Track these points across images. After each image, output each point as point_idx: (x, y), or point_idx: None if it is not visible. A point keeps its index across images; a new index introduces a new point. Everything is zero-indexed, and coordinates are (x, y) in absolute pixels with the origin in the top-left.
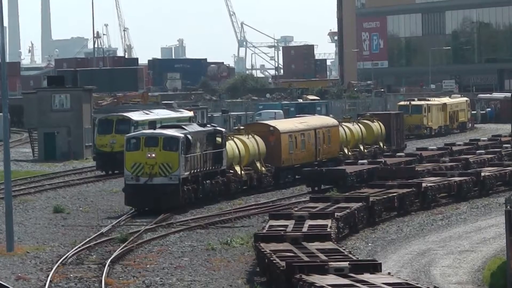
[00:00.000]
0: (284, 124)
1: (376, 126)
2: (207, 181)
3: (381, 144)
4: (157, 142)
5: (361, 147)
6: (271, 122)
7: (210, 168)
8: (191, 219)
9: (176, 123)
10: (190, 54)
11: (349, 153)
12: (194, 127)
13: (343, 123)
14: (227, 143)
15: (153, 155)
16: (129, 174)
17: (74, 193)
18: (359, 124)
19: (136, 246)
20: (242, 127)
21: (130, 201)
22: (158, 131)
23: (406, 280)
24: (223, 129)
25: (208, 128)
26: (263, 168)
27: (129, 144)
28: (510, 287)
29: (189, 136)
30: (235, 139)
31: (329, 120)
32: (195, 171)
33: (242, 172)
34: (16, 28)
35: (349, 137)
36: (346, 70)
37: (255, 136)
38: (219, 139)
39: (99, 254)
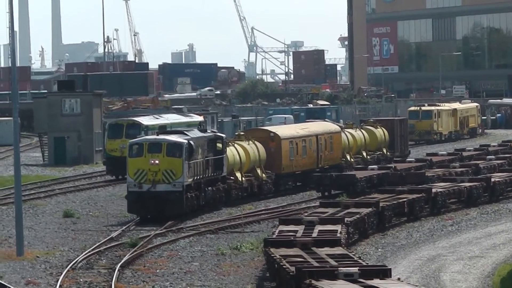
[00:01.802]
0: (285, 130)
1: (380, 132)
2: (208, 188)
3: (385, 151)
4: (160, 148)
5: (364, 154)
6: (272, 128)
7: (211, 174)
8: (201, 224)
9: (177, 129)
10: (201, 59)
11: (352, 160)
12: (196, 133)
13: (346, 129)
14: (227, 149)
15: (157, 161)
16: (131, 181)
17: (84, 197)
18: (362, 130)
19: (146, 251)
20: (242, 133)
21: (132, 208)
22: (161, 137)
23: (416, 285)
24: (223, 135)
25: (209, 133)
26: (264, 175)
27: (132, 150)
28: None
29: (192, 142)
30: (235, 145)
31: (331, 126)
32: (198, 177)
33: (243, 178)
34: (27, 33)
35: (351, 144)
36: (356, 75)
37: (256, 142)
38: (219, 145)
39: (109, 258)
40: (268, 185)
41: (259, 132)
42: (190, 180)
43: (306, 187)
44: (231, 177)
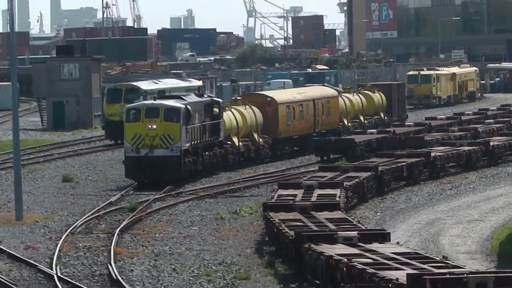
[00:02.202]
0: (281, 95)
1: (377, 96)
2: (206, 153)
3: (382, 115)
4: (158, 113)
5: (362, 118)
6: (269, 93)
7: (209, 139)
8: (200, 188)
9: (174, 94)
10: (199, 24)
11: (349, 124)
12: (193, 98)
13: (343, 94)
14: (224, 114)
15: (154, 126)
16: (129, 146)
17: (83, 162)
18: (359, 95)
19: (145, 216)
20: (239, 98)
21: (130, 173)
22: (158, 101)
23: (415, 249)
24: (220, 100)
25: (205, 98)
26: (261, 140)
27: (129, 115)
28: None
29: (189, 107)
30: (232, 109)
31: (328, 91)
32: (195, 142)
33: (240, 143)
34: None
35: (349, 108)
36: (355, 41)
37: (252, 106)
38: (216, 110)
39: (108, 223)
40: (265, 149)
41: (256, 96)
42: (188, 145)
43: (303, 152)
44: (228, 142)
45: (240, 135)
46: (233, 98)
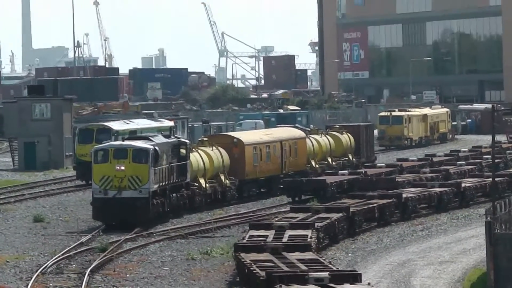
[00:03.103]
0: (248, 136)
1: (345, 138)
2: (173, 194)
3: (350, 157)
4: (126, 154)
5: (329, 160)
6: (235, 134)
7: (176, 180)
8: (171, 228)
9: (142, 135)
10: (171, 63)
11: (317, 166)
12: (160, 138)
13: (311, 135)
14: (191, 155)
15: (123, 167)
16: (97, 188)
17: (54, 202)
18: (327, 136)
19: (116, 256)
20: (206, 139)
21: (98, 215)
22: (126, 142)
23: None
24: (187, 141)
25: (173, 139)
26: (227, 181)
27: (97, 156)
28: None
29: (157, 148)
30: (199, 150)
31: (296, 132)
32: (163, 184)
33: (207, 185)
34: None
35: (316, 150)
36: (327, 81)
37: (219, 147)
38: (183, 151)
39: (79, 263)
40: (232, 191)
41: (223, 137)
42: (156, 186)
43: (270, 194)
44: (195, 184)
45: (206, 177)
46: (199, 139)
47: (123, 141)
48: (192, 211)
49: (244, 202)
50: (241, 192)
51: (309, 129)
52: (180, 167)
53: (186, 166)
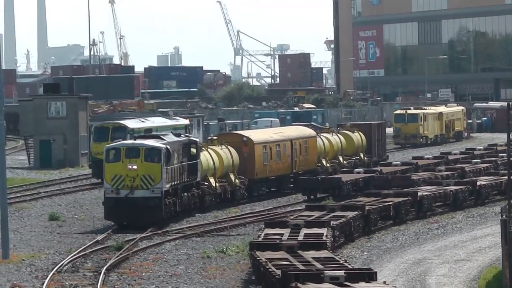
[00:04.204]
0: (258, 135)
1: (357, 136)
2: (184, 194)
3: (362, 155)
4: (138, 153)
5: (341, 159)
6: (245, 132)
7: (187, 180)
8: (186, 227)
9: (153, 134)
10: (186, 62)
11: (328, 165)
12: (171, 137)
13: (322, 134)
14: (201, 154)
15: (135, 166)
16: (109, 187)
17: (70, 200)
18: (338, 135)
19: (132, 254)
20: (215, 137)
21: (110, 215)
22: (139, 141)
23: None
24: (197, 139)
25: (183, 138)
26: (237, 180)
27: (109, 155)
28: None
29: (169, 147)
30: (209, 149)
31: (306, 131)
32: (175, 183)
33: (217, 184)
34: (12, 35)
35: (327, 148)
36: (343, 79)
37: (229, 146)
38: (193, 150)
39: (94, 262)
40: (241, 191)
41: (232, 136)
42: (168, 185)
43: (280, 193)
44: (205, 183)
45: (216, 176)
46: (209, 138)
47: (134, 140)
48: (202, 211)
49: (254, 202)
50: (250, 192)
51: (326, 127)
52: (190, 166)
53: (197, 165)
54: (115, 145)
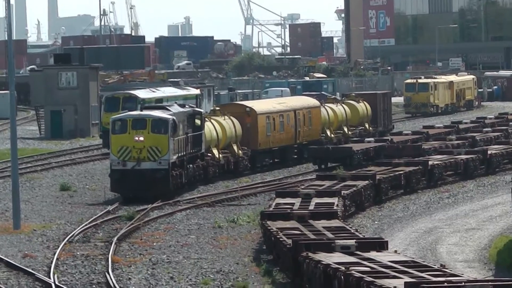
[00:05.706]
0: (261, 105)
1: (362, 106)
2: (190, 165)
3: (367, 126)
4: (145, 125)
5: (345, 129)
6: (248, 103)
7: (192, 151)
8: (197, 197)
9: (158, 105)
10: (197, 31)
11: (332, 135)
12: (177, 108)
13: (326, 104)
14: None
15: (141, 138)
16: (115, 159)
17: (81, 171)
18: (343, 105)
19: (143, 224)
20: (218, 108)
21: (116, 187)
22: (145, 112)
23: (413, 258)
24: (201, 110)
25: (188, 109)
26: (240, 151)
27: (115, 126)
28: None
29: (175, 118)
30: (212, 120)
31: (310, 101)
32: (181, 154)
33: (220, 155)
34: (23, 6)
35: (332, 119)
36: (353, 48)
37: (231, 117)
38: (198, 121)
39: (105, 232)
40: (244, 162)
41: (235, 107)
42: (175, 157)
43: (283, 164)
44: (209, 154)
45: (219, 147)
46: (211, 108)
47: (141, 110)
48: (206, 182)
49: (257, 173)
50: (253, 163)
51: (330, 97)
52: (195, 137)
53: (201, 136)
54: (122, 116)
